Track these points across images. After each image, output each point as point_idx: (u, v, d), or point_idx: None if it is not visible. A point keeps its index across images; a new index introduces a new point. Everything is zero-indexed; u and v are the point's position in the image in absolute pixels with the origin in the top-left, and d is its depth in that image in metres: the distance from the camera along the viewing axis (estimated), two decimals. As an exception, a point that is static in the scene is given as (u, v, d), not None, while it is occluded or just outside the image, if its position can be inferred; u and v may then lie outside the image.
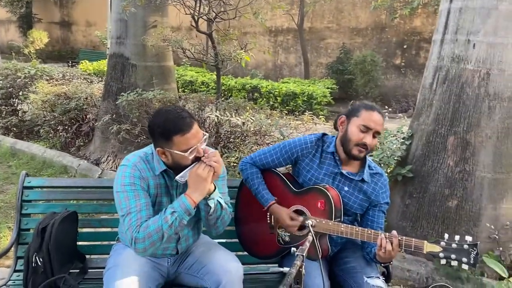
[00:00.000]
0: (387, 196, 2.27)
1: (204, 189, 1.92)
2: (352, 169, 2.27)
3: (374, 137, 2.16)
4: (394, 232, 1.96)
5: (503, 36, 3.21)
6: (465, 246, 1.83)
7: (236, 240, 2.46)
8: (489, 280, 3.19)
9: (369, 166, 2.28)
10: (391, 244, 1.94)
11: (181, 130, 1.89)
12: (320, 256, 2.04)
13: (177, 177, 1.95)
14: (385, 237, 1.95)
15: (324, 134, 2.35)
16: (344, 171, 2.24)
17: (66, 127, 6.10)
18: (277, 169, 2.40)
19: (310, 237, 1.68)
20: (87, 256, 2.46)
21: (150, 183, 2.02)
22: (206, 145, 2.01)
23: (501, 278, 3.08)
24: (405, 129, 3.92)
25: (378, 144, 3.88)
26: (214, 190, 2.00)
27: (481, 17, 3.24)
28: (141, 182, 1.99)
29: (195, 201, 1.91)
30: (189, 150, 1.91)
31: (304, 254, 1.40)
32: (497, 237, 3.27)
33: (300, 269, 1.33)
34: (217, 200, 2.01)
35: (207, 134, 2.02)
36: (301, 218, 2.18)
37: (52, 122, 6.14)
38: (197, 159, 1.94)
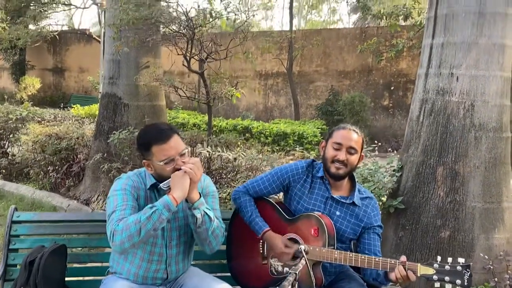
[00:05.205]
0: (379, 219, 2.29)
1: (183, 186, 1.95)
2: (342, 193, 2.29)
3: (350, 153, 2.20)
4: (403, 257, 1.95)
5: (484, 69, 3.33)
6: (458, 268, 1.83)
7: (229, 274, 2.42)
8: (487, 312, 3.14)
9: (359, 191, 2.31)
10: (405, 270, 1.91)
11: (158, 140, 1.99)
12: (313, 286, 2.01)
13: (161, 185, 2.02)
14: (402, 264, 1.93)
15: (313, 160, 2.40)
16: (335, 196, 2.26)
17: (57, 167, 6.04)
18: (269, 197, 2.41)
19: (303, 261, 1.67)
20: (76, 292, 2.39)
21: (141, 194, 2.10)
22: None
23: (498, 309, 3.04)
24: (395, 163, 3.96)
25: (369, 177, 3.90)
26: (199, 199, 2.02)
27: (462, 52, 3.37)
28: (132, 189, 2.07)
29: (175, 198, 1.94)
30: (166, 160, 1.99)
31: (297, 273, 1.38)
32: (491, 267, 3.24)
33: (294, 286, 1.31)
34: (204, 211, 2.03)
35: (188, 148, 2.10)
36: (295, 246, 2.16)
37: (42, 163, 6.09)
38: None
